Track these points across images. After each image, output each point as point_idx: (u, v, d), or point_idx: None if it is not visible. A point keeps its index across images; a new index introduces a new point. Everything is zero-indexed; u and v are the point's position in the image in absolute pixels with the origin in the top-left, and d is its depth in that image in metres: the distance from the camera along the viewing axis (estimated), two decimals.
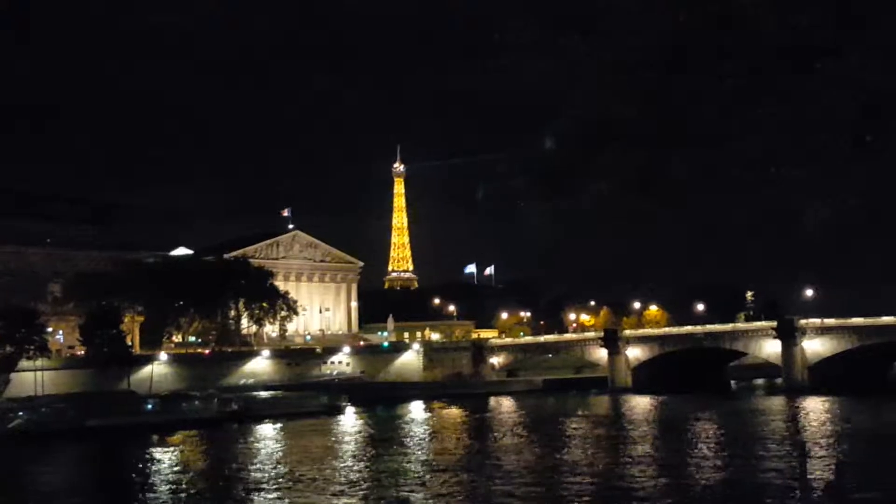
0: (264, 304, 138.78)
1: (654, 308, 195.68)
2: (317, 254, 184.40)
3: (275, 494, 51.56)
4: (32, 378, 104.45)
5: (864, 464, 57.13)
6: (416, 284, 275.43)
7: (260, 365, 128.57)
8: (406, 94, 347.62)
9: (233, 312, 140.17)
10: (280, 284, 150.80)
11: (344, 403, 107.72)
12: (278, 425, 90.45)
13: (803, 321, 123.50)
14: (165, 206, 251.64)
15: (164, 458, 70.05)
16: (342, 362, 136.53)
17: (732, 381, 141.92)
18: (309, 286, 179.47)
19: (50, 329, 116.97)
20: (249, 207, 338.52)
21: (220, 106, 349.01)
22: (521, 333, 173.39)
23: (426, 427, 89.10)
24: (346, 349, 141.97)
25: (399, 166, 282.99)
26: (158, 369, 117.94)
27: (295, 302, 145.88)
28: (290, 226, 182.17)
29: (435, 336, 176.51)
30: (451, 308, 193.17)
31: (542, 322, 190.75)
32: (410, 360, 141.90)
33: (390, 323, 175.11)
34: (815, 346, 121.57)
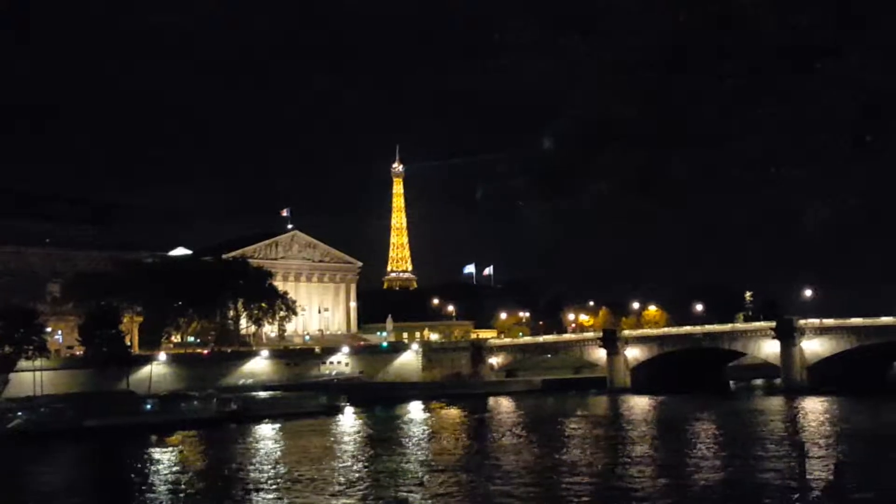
0: (263, 305, 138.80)
1: (652, 308, 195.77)
2: (316, 254, 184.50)
3: (273, 495, 51.54)
4: (31, 378, 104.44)
5: (863, 464, 57.13)
6: (415, 284, 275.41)
7: (259, 365, 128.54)
8: (406, 94, 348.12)
9: (232, 312, 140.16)
10: (279, 284, 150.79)
11: (343, 403, 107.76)
12: (277, 425, 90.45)
13: (802, 321, 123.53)
14: (165, 206, 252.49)
15: (163, 458, 70.02)
16: (341, 362, 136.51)
17: (731, 382, 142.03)
18: (308, 286, 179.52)
19: (49, 329, 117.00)
20: (249, 207, 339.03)
21: (220, 106, 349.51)
22: (520, 334, 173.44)
23: (425, 427, 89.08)
24: (345, 349, 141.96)
25: (398, 166, 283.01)
26: (157, 369, 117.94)
27: (294, 302, 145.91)
28: (290, 226, 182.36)
29: (434, 336, 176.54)
30: (450, 308, 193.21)
31: (541, 322, 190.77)
32: (409, 360, 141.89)
33: (389, 323, 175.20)
34: (814, 347, 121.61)
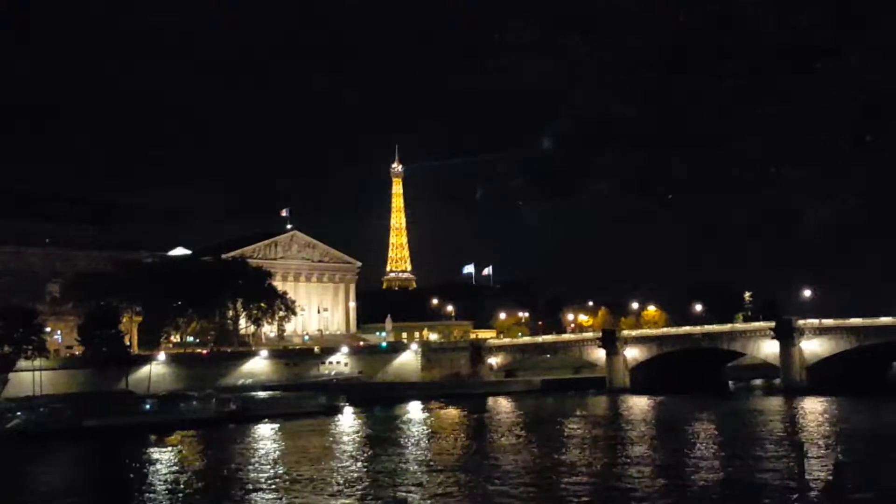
0: (262, 305, 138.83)
1: (652, 308, 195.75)
2: (315, 254, 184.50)
3: (273, 495, 51.49)
4: (31, 378, 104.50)
5: (863, 464, 57.01)
6: (414, 285, 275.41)
7: (258, 365, 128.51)
8: (406, 94, 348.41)
9: (231, 312, 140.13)
10: (278, 284, 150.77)
11: (342, 403, 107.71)
12: (276, 425, 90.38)
13: (801, 321, 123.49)
14: (165, 206, 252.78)
15: (162, 458, 69.97)
16: (340, 362, 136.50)
17: (730, 382, 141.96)
18: (307, 286, 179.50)
19: (48, 329, 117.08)
20: (249, 207, 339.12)
21: (220, 106, 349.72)
22: (520, 334, 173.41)
23: (424, 427, 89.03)
24: (345, 349, 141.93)
25: (397, 166, 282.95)
26: (156, 369, 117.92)
27: (293, 302, 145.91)
28: (289, 226, 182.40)
29: (433, 336, 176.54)
30: (450, 308, 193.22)
31: (540, 322, 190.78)
32: (408, 360, 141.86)
33: (388, 323, 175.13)
34: (813, 347, 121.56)
